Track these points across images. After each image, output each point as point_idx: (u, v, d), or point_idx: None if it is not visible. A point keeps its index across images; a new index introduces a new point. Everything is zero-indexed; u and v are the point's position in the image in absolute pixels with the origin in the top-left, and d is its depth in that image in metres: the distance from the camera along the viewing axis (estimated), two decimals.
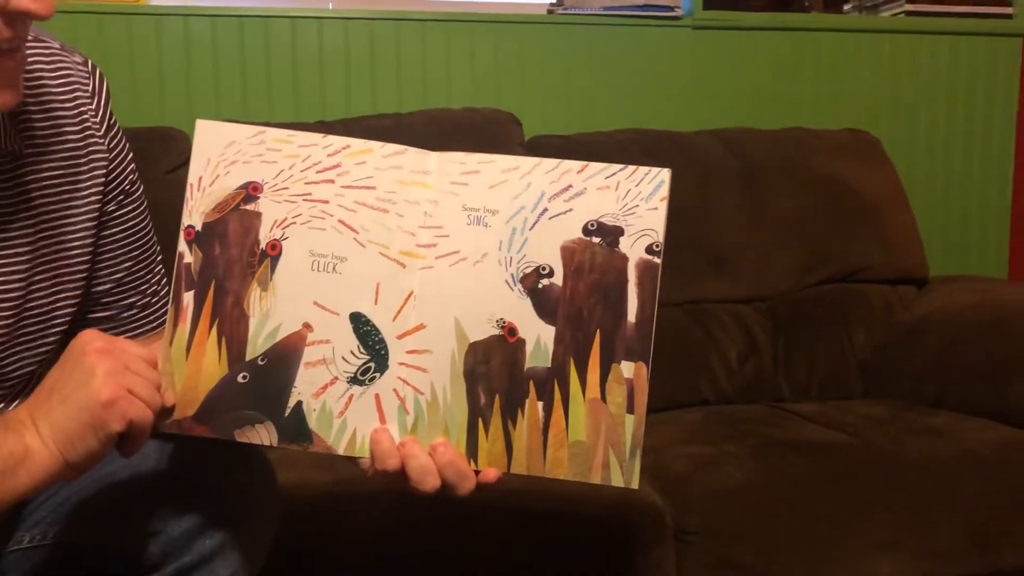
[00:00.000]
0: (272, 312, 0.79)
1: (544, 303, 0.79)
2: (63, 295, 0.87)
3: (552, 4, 2.18)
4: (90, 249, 0.88)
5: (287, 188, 0.80)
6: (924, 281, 2.02)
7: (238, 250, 0.79)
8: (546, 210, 0.80)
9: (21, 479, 0.69)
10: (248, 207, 0.80)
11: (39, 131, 0.84)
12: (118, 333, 0.93)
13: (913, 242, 2.04)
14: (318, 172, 0.80)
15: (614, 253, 0.79)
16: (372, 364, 0.79)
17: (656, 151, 1.92)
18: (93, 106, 0.89)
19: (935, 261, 2.10)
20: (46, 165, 0.84)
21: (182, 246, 0.79)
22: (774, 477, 1.38)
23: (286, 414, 0.79)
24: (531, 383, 0.79)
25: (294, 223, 0.79)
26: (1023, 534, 1.40)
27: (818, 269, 1.95)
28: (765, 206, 1.94)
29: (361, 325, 0.79)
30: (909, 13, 2.28)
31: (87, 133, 0.87)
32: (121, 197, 0.91)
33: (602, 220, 0.79)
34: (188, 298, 0.79)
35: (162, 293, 0.98)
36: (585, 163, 0.80)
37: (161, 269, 0.98)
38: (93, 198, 0.88)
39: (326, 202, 0.80)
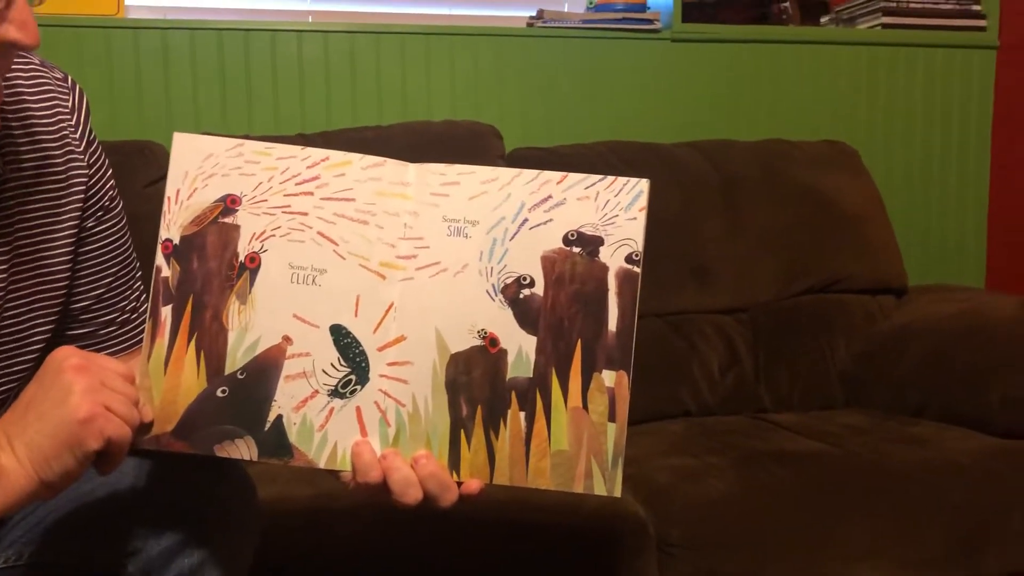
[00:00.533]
0: (251, 325, 0.78)
1: (525, 313, 0.79)
2: (41, 312, 0.86)
3: (532, 17, 2.18)
4: (69, 266, 0.87)
5: (266, 200, 0.79)
6: (903, 291, 2.03)
7: (216, 263, 0.78)
8: (526, 220, 0.80)
9: None
10: (226, 220, 0.79)
11: (18, 148, 0.83)
12: (97, 349, 0.92)
13: (892, 252, 2.05)
14: (297, 184, 0.79)
15: (594, 263, 0.79)
16: (353, 377, 0.79)
17: (636, 163, 1.92)
18: (73, 122, 0.88)
19: (913, 271, 2.11)
20: (25, 182, 0.84)
21: (159, 260, 0.78)
22: (756, 488, 1.38)
23: (266, 428, 0.78)
24: (513, 393, 0.79)
25: (273, 236, 0.79)
26: (1005, 542, 1.41)
27: (798, 279, 1.96)
28: (745, 217, 1.95)
29: (341, 337, 0.79)
30: (885, 26, 2.30)
31: (67, 149, 0.87)
32: (100, 213, 0.90)
33: (582, 230, 0.80)
34: (166, 312, 0.78)
35: (141, 309, 0.96)
36: (564, 174, 0.80)
37: (140, 285, 0.97)
38: (72, 215, 0.87)
39: (305, 214, 0.79)
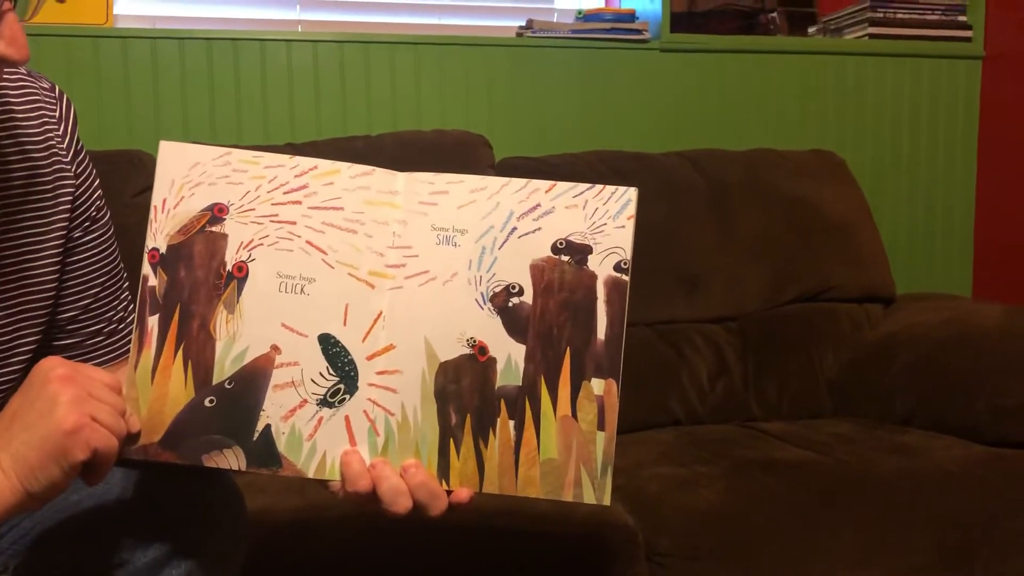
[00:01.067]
0: (239, 335, 0.78)
1: (514, 321, 0.79)
2: (26, 324, 0.85)
3: (521, 27, 2.19)
4: (55, 277, 0.87)
5: (253, 209, 0.79)
6: (891, 299, 2.04)
7: (204, 272, 0.78)
8: (515, 229, 0.80)
9: None
10: (214, 229, 0.79)
11: (5, 157, 0.83)
12: (84, 360, 0.92)
13: (880, 261, 2.06)
14: (285, 193, 0.79)
15: (583, 271, 0.80)
16: (342, 386, 0.79)
17: (625, 172, 1.93)
18: (60, 132, 0.88)
19: (901, 279, 2.12)
20: (11, 194, 0.83)
21: (146, 269, 0.78)
22: (746, 497, 1.38)
23: (254, 438, 0.78)
24: (502, 402, 0.79)
25: (261, 244, 0.79)
26: (993, 551, 1.41)
27: (786, 288, 1.96)
28: (733, 226, 1.95)
29: (330, 346, 0.79)
30: (872, 36, 2.32)
31: (54, 160, 0.86)
32: (87, 224, 0.90)
33: (570, 238, 0.80)
34: (153, 322, 0.78)
35: (128, 320, 0.96)
36: (553, 183, 0.81)
37: (127, 296, 0.97)
38: (59, 226, 0.86)
39: (293, 223, 0.79)
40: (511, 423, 0.79)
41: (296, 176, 0.80)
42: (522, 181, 0.81)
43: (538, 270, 0.80)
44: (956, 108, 2.39)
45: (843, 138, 2.30)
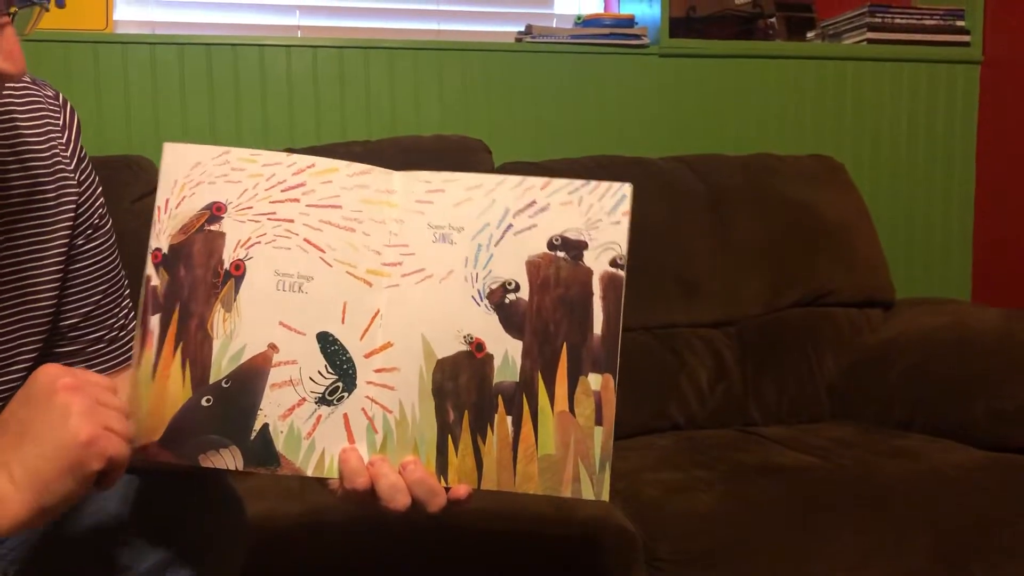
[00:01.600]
0: (236, 333, 0.78)
1: (511, 318, 0.79)
2: (28, 331, 0.85)
3: (521, 32, 2.20)
4: (57, 285, 0.87)
5: (251, 207, 0.79)
6: (890, 304, 2.04)
7: (202, 271, 0.78)
8: (511, 226, 0.80)
9: None
10: (212, 227, 0.79)
11: (7, 167, 0.83)
12: (85, 367, 0.91)
13: (879, 265, 2.06)
14: (283, 191, 0.79)
15: (578, 267, 0.79)
16: (340, 384, 0.79)
17: (625, 177, 1.90)
18: (64, 140, 0.88)
19: (900, 284, 2.12)
20: (13, 204, 0.83)
21: (149, 269, 0.78)
22: (745, 502, 1.39)
23: (252, 437, 0.78)
24: (500, 398, 0.79)
25: (258, 243, 0.79)
26: (991, 554, 1.41)
27: (786, 293, 1.96)
28: (732, 231, 1.95)
29: (328, 345, 0.79)
30: (871, 41, 2.32)
31: (58, 168, 0.86)
32: (90, 231, 0.90)
33: (566, 235, 0.80)
34: (154, 321, 0.78)
35: (130, 327, 0.96)
36: (548, 179, 0.81)
37: (129, 303, 0.96)
38: (62, 235, 0.86)
39: (291, 221, 0.79)
40: (508, 419, 0.79)
41: (294, 174, 0.80)
42: (518, 178, 0.81)
43: (534, 266, 0.80)
44: (955, 112, 2.39)
45: (842, 142, 2.31)
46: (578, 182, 0.81)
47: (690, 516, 1.35)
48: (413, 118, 2.09)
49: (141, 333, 0.78)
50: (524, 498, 0.81)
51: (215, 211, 0.79)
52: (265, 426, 0.78)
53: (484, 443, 0.79)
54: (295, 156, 0.81)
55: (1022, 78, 2.32)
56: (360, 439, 0.79)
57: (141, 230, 1.91)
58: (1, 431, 0.69)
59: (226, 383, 0.78)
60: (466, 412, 0.79)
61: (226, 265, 0.78)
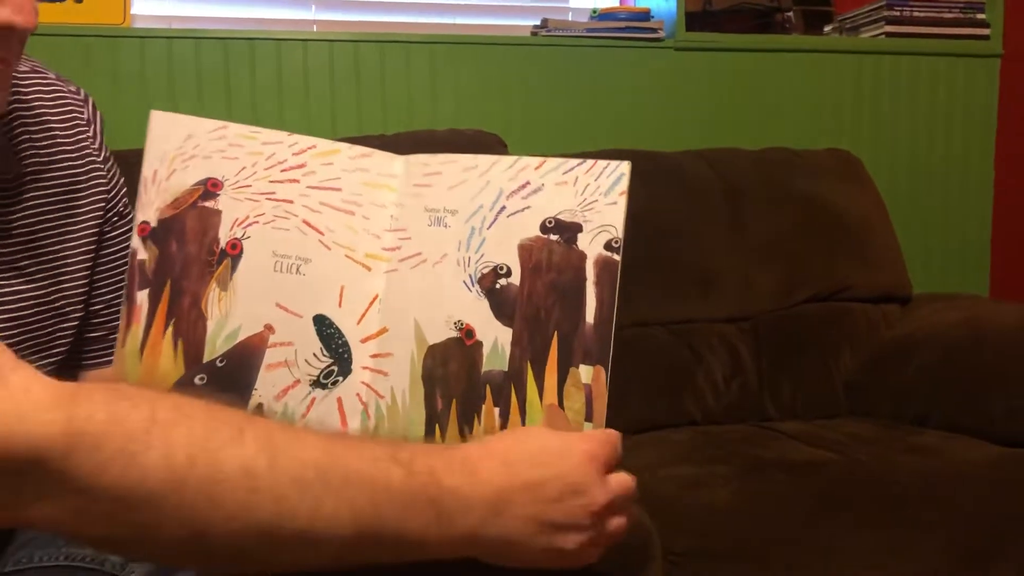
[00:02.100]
0: (232, 313, 0.76)
1: (501, 304, 0.75)
2: (64, 316, 0.87)
3: (536, 26, 2.19)
4: (88, 270, 0.89)
5: (249, 186, 0.77)
6: (907, 299, 2.03)
7: (196, 248, 0.76)
8: (504, 208, 0.76)
9: (406, 556, 0.60)
10: (207, 204, 0.77)
11: (41, 157, 0.85)
12: (110, 351, 0.93)
13: (896, 260, 2.05)
14: (282, 171, 0.77)
15: (572, 250, 0.74)
16: (335, 367, 0.77)
17: (640, 171, 1.91)
18: (91, 133, 0.90)
19: (918, 279, 2.11)
20: (48, 191, 0.85)
21: (135, 242, 0.76)
22: (761, 497, 1.38)
23: None
24: (487, 388, 0.75)
25: (256, 222, 0.77)
26: (1010, 553, 1.40)
27: (802, 288, 1.95)
28: (748, 225, 1.94)
29: (325, 328, 0.77)
30: (889, 34, 2.31)
31: (88, 160, 0.89)
32: (116, 219, 0.92)
33: (560, 217, 0.75)
34: (142, 297, 0.76)
35: None
36: (543, 159, 0.76)
37: None
38: (93, 222, 0.89)
39: (290, 202, 0.77)
40: (496, 410, 0.75)
41: (294, 154, 0.78)
42: (512, 158, 0.77)
43: (526, 250, 0.75)
44: (974, 107, 2.38)
45: (859, 137, 2.29)
46: (573, 161, 0.76)
47: (707, 511, 1.35)
48: (429, 112, 2.09)
49: (127, 309, 0.76)
50: None
51: (210, 187, 0.77)
52: (259, 406, 0.76)
53: (471, 433, 0.75)
54: (296, 136, 0.79)
55: None
56: (353, 424, 0.77)
57: None
58: (519, 474, 0.63)
59: (220, 362, 0.76)
60: (454, 401, 0.76)
61: (222, 244, 0.76)
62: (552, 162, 0.76)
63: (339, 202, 0.78)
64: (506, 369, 0.74)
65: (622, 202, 0.74)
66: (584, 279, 0.73)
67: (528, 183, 0.76)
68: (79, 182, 0.87)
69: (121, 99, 1.94)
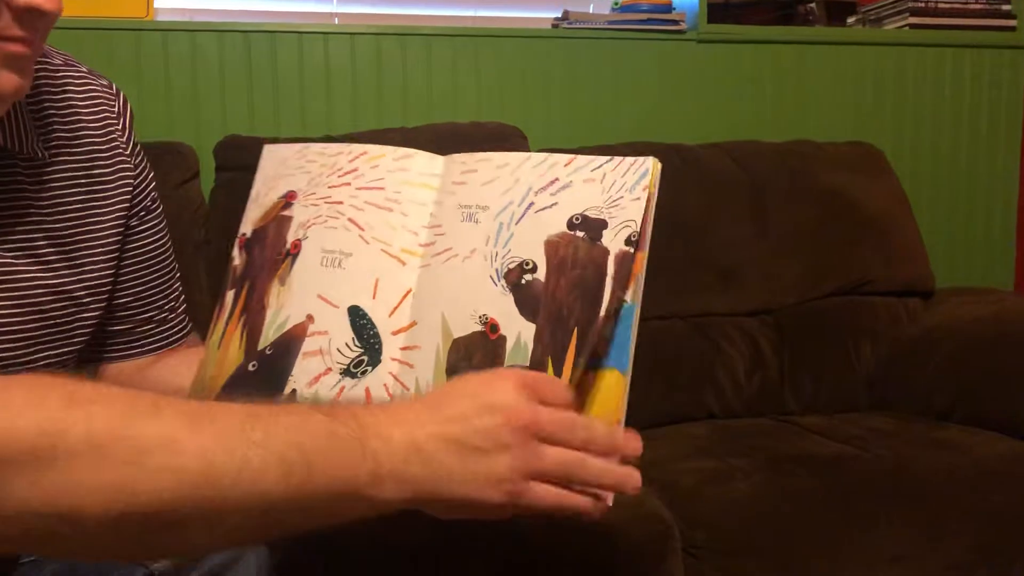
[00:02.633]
0: (284, 305, 0.81)
1: (526, 299, 0.75)
2: (85, 306, 0.87)
3: (557, 18, 2.19)
4: (113, 262, 0.90)
5: (314, 193, 0.83)
6: (930, 293, 2.02)
7: (271, 251, 0.83)
8: (532, 204, 0.77)
9: (345, 514, 0.59)
10: (285, 213, 0.84)
11: (67, 145, 0.86)
12: (133, 346, 0.95)
13: (919, 254, 2.03)
14: (339, 177, 0.83)
15: (595, 247, 0.73)
16: (365, 357, 0.78)
17: (661, 163, 1.92)
18: (120, 126, 0.91)
19: (941, 273, 2.09)
20: (72, 179, 0.86)
21: (235, 251, 0.85)
22: (782, 491, 1.38)
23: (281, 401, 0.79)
24: None
25: (315, 224, 0.82)
26: None
27: (824, 282, 1.95)
28: (770, 219, 1.94)
29: (358, 318, 0.79)
30: (913, 26, 2.29)
31: (115, 151, 0.90)
32: (143, 213, 0.93)
33: (587, 213, 0.75)
34: (229, 296, 0.84)
35: (179, 310, 0.99)
36: (573, 156, 0.77)
37: (179, 286, 1.00)
38: (118, 214, 0.90)
39: (341, 203, 0.82)
40: None
41: (349, 161, 0.84)
42: (542, 155, 0.78)
43: (552, 246, 0.75)
44: (999, 99, 2.35)
45: (882, 130, 2.28)
46: (602, 159, 0.76)
47: (727, 504, 1.35)
48: (450, 105, 2.09)
49: (219, 306, 0.84)
50: None
51: (288, 198, 0.84)
52: (293, 392, 0.79)
53: None
54: (353, 145, 0.85)
55: None
56: None
57: (182, 214, 1.93)
58: (430, 417, 0.63)
59: (269, 350, 0.80)
60: None
61: (287, 245, 0.83)
62: (581, 159, 0.77)
63: (381, 200, 0.81)
64: (527, 365, 0.73)
65: (644, 197, 0.74)
66: (604, 275, 0.73)
67: (557, 179, 0.77)
68: (105, 174, 0.89)
69: (145, 92, 1.96)
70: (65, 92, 0.87)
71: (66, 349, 0.87)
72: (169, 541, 0.55)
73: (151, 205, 0.94)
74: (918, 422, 1.67)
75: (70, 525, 0.52)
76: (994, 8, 2.32)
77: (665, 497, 1.37)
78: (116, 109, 0.91)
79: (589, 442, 0.65)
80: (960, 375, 1.71)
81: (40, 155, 0.83)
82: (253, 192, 0.86)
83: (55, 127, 0.85)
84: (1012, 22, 2.33)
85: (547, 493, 0.63)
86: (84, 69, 0.91)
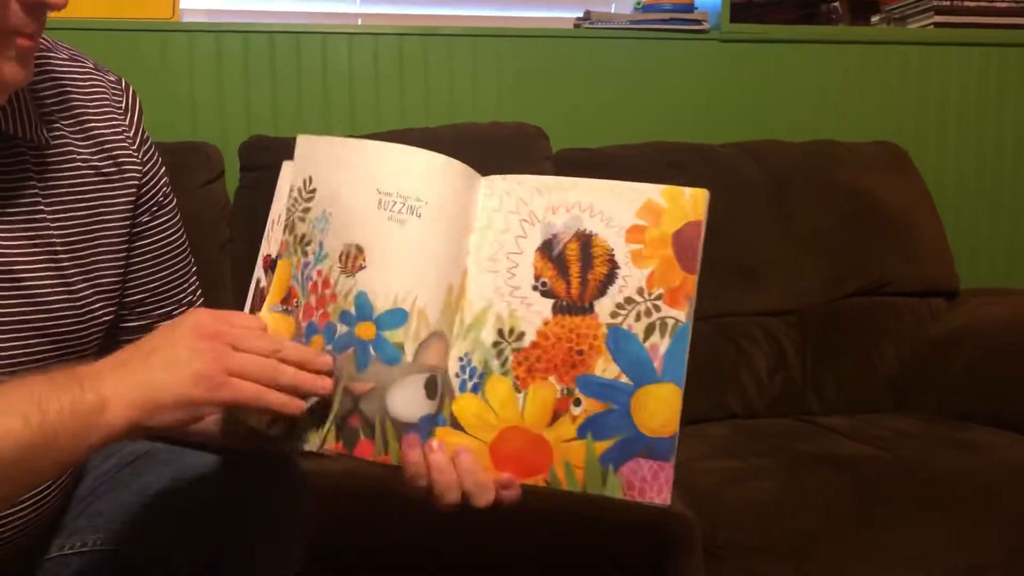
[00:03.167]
0: None
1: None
2: (102, 300, 0.88)
3: (579, 18, 2.19)
4: (123, 259, 0.90)
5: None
6: (955, 293, 2.00)
7: None
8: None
9: (92, 437, 0.69)
10: None
11: (74, 143, 0.86)
12: None
13: (943, 254, 2.02)
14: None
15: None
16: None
17: (683, 164, 1.92)
18: (126, 122, 0.91)
19: (965, 273, 2.08)
20: (82, 172, 0.86)
21: (259, 272, 0.83)
22: (804, 491, 1.37)
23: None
24: None
25: None
26: None
27: (847, 282, 1.94)
28: (793, 219, 1.93)
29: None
30: (938, 24, 2.27)
31: (120, 145, 0.89)
32: (154, 208, 0.93)
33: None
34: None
35: (197, 303, 0.99)
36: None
37: (195, 280, 0.99)
38: (126, 209, 0.89)
39: None
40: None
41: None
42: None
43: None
44: None
45: (906, 129, 2.26)
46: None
47: (748, 505, 1.34)
48: (471, 104, 2.10)
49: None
50: None
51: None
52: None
53: None
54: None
55: None
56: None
57: (206, 214, 1.94)
58: (136, 347, 0.74)
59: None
60: None
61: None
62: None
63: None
64: None
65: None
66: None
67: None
68: (111, 168, 0.89)
69: (170, 92, 1.98)
70: (68, 86, 0.87)
71: (89, 342, 0.88)
72: None
73: (163, 200, 0.94)
74: (941, 423, 1.66)
75: None
76: (1021, 6, 2.30)
77: (687, 497, 1.36)
78: (123, 104, 0.91)
79: (278, 351, 0.74)
80: (984, 376, 1.70)
81: (45, 141, 0.83)
82: (273, 212, 0.84)
83: (59, 120, 0.85)
84: None
85: (247, 387, 0.73)
86: (90, 64, 0.91)
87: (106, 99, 0.90)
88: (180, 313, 0.96)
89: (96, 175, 0.87)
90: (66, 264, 0.84)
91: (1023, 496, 1.40)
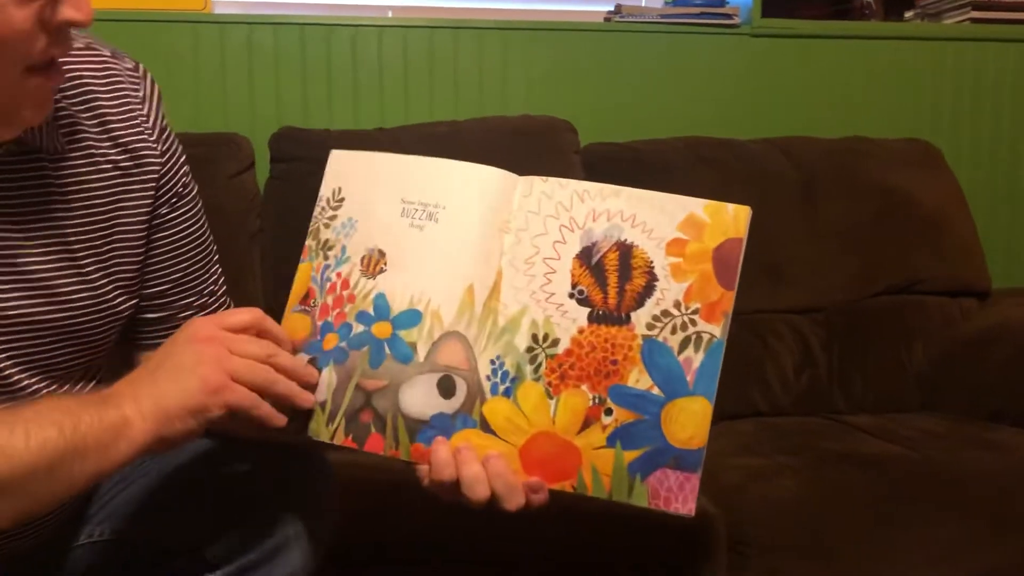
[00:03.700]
0: None
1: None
2: (121, 291, 0.88)
3: (609, 12, 2.18)
4: (142, 250, 0.89)
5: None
6: (986, 293, 1.98)
7: None
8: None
9: (120, 449, 0.72)
10: None
11: (90, 133, 0.86)
12: (167, 332, 0.94)
13: (974, 253, 2.00)
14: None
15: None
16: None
17: (712, 159, 1.91)
18: (144, 111, 0.89)
19: (998, 273, 2.05)
20: (101, 168, 0.86)
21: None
22: (829, 489, 1.37)
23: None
24: None
25: None
26: None
27: (876, 280, 1.92)
28: (822, 215, 1.92)
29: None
30: (974, 20, 2.24)
31: (138, 136, 0.88)
32: (174, 200, 0.92)
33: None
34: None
35: (219, 293, 0.98)
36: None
37: (218, 269, 0.98)
38: (145, 200, 0.89)
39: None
40: None
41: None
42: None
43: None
44: None
45: (939, 127, 2.24)
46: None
47: (774, 502, 1.34)
48: (500, 98, 2.10)
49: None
50: None
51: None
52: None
53: None
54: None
55: None
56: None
57: (237, 205, 1.95)
58: (143, 367, 0.78)
59: None
60: None
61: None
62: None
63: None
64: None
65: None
66: None
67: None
68: (129, 158, 0.88)
69: (201, 84, 1.99)
70: (87, 80, 0.86)
71: (100, 335, 0.88)
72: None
73: (183, 191, 0.92)
74: (969, 423, 1.65)
75: None
76: None
77: (711, 493, 1.36)
78: (141, 93, 0.89)
79: (272, 356, 0.78)
80: (1014, 376, 1.68)
81: (61, 148, 0.82)
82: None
83: (77, 116, 0.85)
84: None
85: (246, 395, 0.75)
86: (107, 53, 0.89)
87: (124, 90, 0.88)
88: (201, 304, 0.96)
89: (114, 169, 0.87)
90: (83, 258, 0.84)
91: None
